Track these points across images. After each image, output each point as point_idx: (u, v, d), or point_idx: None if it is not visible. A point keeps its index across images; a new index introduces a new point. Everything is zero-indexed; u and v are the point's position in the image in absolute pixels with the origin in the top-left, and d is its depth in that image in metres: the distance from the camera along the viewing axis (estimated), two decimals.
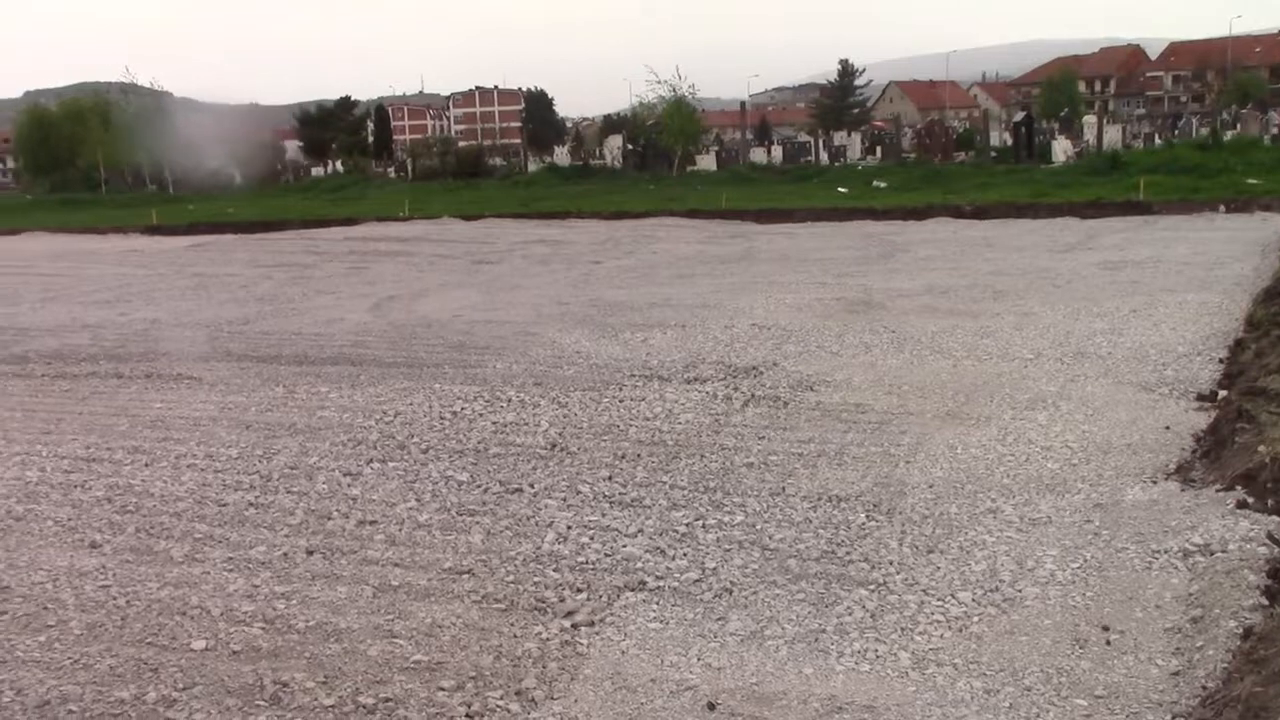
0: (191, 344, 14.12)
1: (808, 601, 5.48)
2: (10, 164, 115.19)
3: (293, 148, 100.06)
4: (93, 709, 4.61)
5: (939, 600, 5.43)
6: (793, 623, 5.25)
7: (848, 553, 6.09)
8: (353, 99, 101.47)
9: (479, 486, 7.52)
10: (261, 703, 4.62)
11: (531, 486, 7.47)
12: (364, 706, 4.55)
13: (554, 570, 5.98)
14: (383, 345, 13.47)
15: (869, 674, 4.77)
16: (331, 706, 4.57)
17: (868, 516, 6.66)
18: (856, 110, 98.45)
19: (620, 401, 9.89)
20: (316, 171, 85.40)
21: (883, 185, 39.62)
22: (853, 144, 59.83)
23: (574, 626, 5.27)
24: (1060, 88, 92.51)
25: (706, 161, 56.65)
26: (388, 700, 4.60)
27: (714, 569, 5.91)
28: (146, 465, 8.32)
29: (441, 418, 9.48)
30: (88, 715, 4.57)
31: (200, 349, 13.69)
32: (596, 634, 5.20)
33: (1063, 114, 71.91)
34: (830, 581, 5.71)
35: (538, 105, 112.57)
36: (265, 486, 7.67)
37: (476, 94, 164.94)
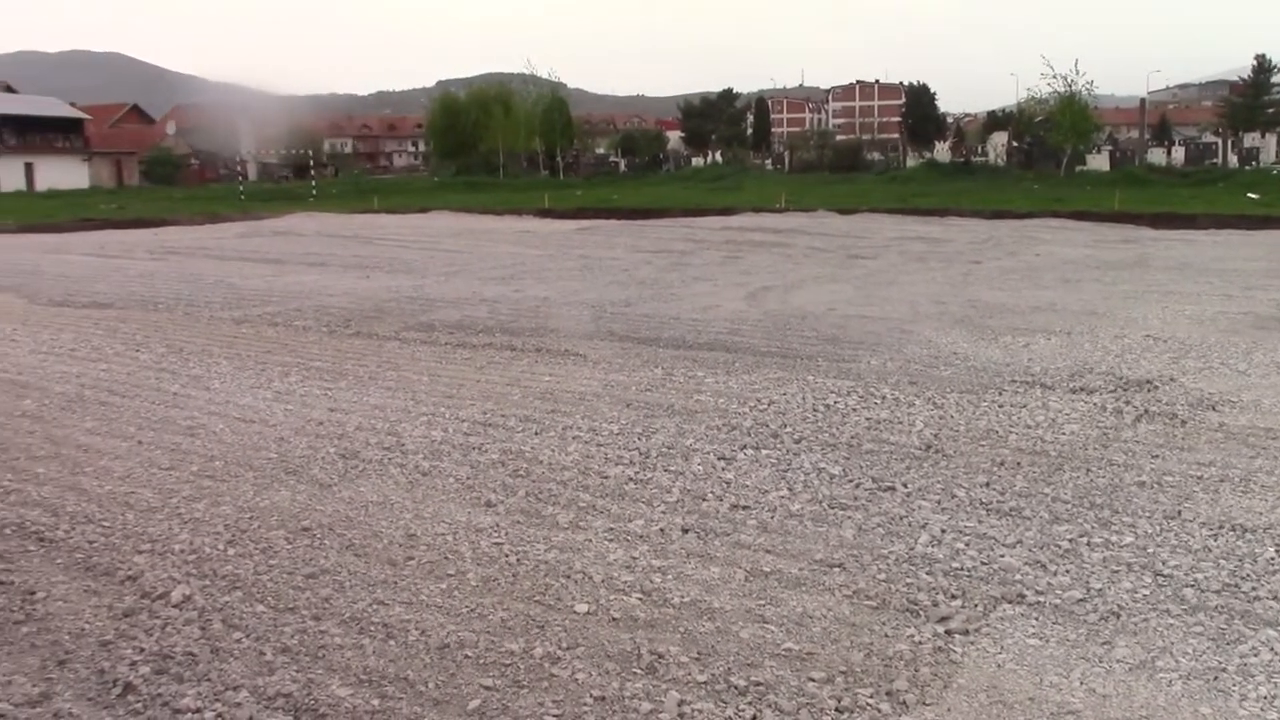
0: (578, 322, 14.84)
1: (1206, 636, 5.08)
2: (422, 148, 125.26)
3: (674, 138, 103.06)
4: (486, 656, 4.93)
5: None
6: (1188, 657, 4.89)
7: (1253, 588, 5.60)
8: (734, 91, 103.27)
9: (851, 481, 7.47)
10: (638, 670, 4.79)
11: (905, 486, 7.35)
12: (735, 687, 4.63)
13: (927, 573, 5.85)
14: (757, 334, 13.65)
15: None
16: (704, 683, 4.67)
17: (1277, 551, 6.10)
18: (1271, 110, 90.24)
19: (999, 407, 9.55)
20: (696, 161, 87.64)
21: None
22: (1267, 146, 54.94)
23: (948, 633, 5.14)
24: None
25: (1098, 161, 53.78)
26: (759, 684, 4.65)
27: (1100, 590, 5.59)
28: (536, 434, 8.82)
29: (814, 409, 9.50)
30: (481, 662, 4.88)
31: (586, 328, 14.37)
32: (971, 643, 5.04)
33: None
34: (1233, 617, 5.27)
35: (919, 100, 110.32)
36: (644, 463, 7.95)
37: (856, 88, 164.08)
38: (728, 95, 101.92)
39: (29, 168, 70.79)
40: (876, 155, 75.49)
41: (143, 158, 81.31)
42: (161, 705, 4.53)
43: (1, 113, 71.87)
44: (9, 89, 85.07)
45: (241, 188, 62.73)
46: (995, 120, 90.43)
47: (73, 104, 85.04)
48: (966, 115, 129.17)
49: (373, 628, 5.22)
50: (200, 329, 14.80)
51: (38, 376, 11.46)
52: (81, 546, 6.38)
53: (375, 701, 4.52)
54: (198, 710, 4.48)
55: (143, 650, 5.01)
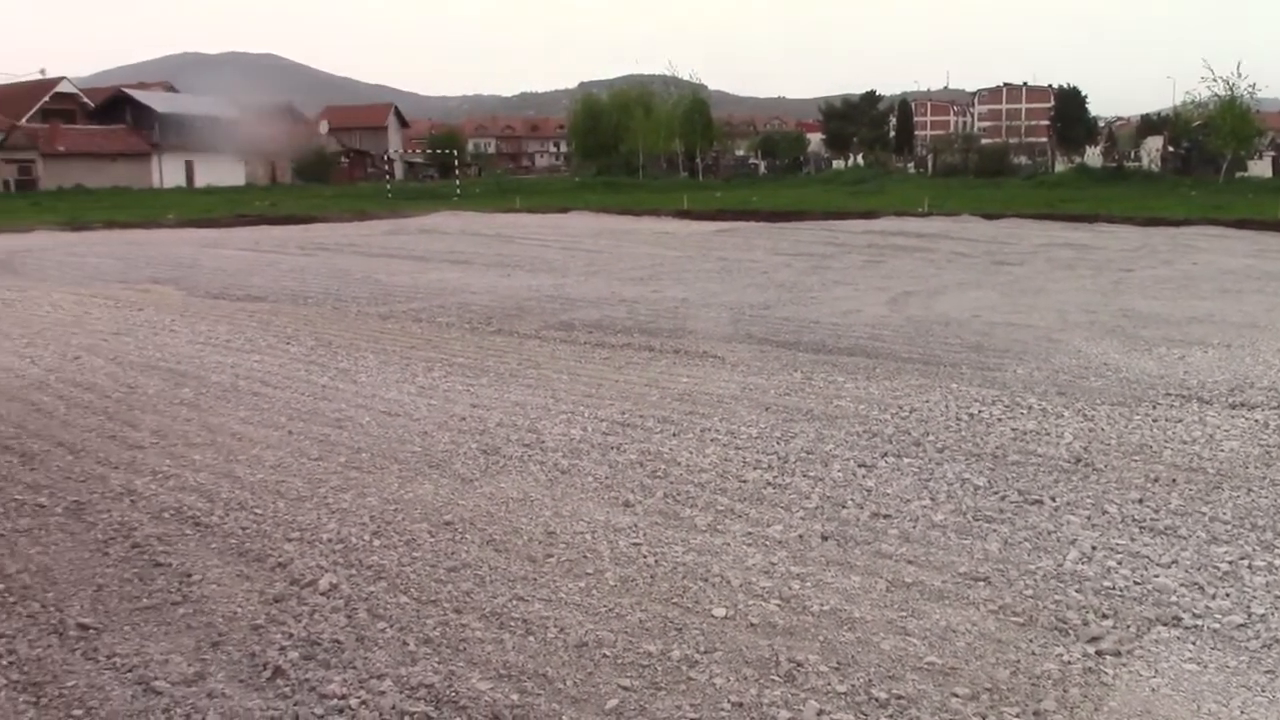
0: (716, 324, 14.82)
1: None
2: (563, 148, 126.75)
3: (815, 140, 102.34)
4: (623, 657, 4.94)
5: None
6: None
7: None
8: (877, 93, 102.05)
9: (996, 493, 7.29)
10: (776, 678, 4.74)
11: (1053, 499, 7.13)
12: (876, 699, 4.54)
13: (1076, 591, 5.66)
14: (899, 340, 13.43)
15: None
16: (844, 694, 4.59)
17: None
18: None
19: (1153, 420, 9.22)
20: (837, 164, 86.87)
21: None
22: None
23: (1098, 654, 4.96)
24: None
25: (1260, 167, 51.68)
26: (900, 698, 4.56)
27: (1262, 615, 5.34)
28: (674, 435, 8.82)
29: (958, 418, 9.30)
30: (619, 662, 4.89)
31: (724, 330, 14.33)
32: (1124, 665, 4.86)
33: None
34: None
35: (1069, 103, 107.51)
36: (783, 468, 7.88)
37: (1004, 90, 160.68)
38: (870, 97, 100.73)
39: (189, 165, 73.60)
40: (1023, 159, 73.73)
41: (295, 156, 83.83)
42: (309, 690, 4.64)
43: (165, 112, 74.85)
44: (171, 89, 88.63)
45: (389, 186, 64.27)
46: (1150, 124, 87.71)
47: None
48: (1119, 119, 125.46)
49: (512, 623, 5.27)
50: (348, 323, 15.19)
51: (195, 366, 11.89)
52: (235, 532, 6.59)
53: (514, 696, 4.56)
54: (343, 697, 4.57)
55: (291, 636, 5.14)
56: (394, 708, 4.48)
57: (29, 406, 10.05)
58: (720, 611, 5.39)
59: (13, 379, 11.29)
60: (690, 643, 5.06)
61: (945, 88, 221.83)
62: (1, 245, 30.94)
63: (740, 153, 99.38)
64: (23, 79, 79.40)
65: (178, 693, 4.61)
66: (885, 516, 6.83)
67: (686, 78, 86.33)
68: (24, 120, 68.81)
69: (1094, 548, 6.25)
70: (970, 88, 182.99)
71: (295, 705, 4.52)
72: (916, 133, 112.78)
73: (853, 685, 4.66)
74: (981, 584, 5.74)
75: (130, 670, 4.82)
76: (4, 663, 4.89)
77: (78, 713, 4.47)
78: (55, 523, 6.82)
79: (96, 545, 6.41)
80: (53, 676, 4.77)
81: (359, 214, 46.04)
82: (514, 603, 5.50)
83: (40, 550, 6.33)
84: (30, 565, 6.09)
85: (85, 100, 76.96)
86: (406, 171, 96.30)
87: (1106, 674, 4.79)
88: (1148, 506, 6.99)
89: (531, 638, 5.12)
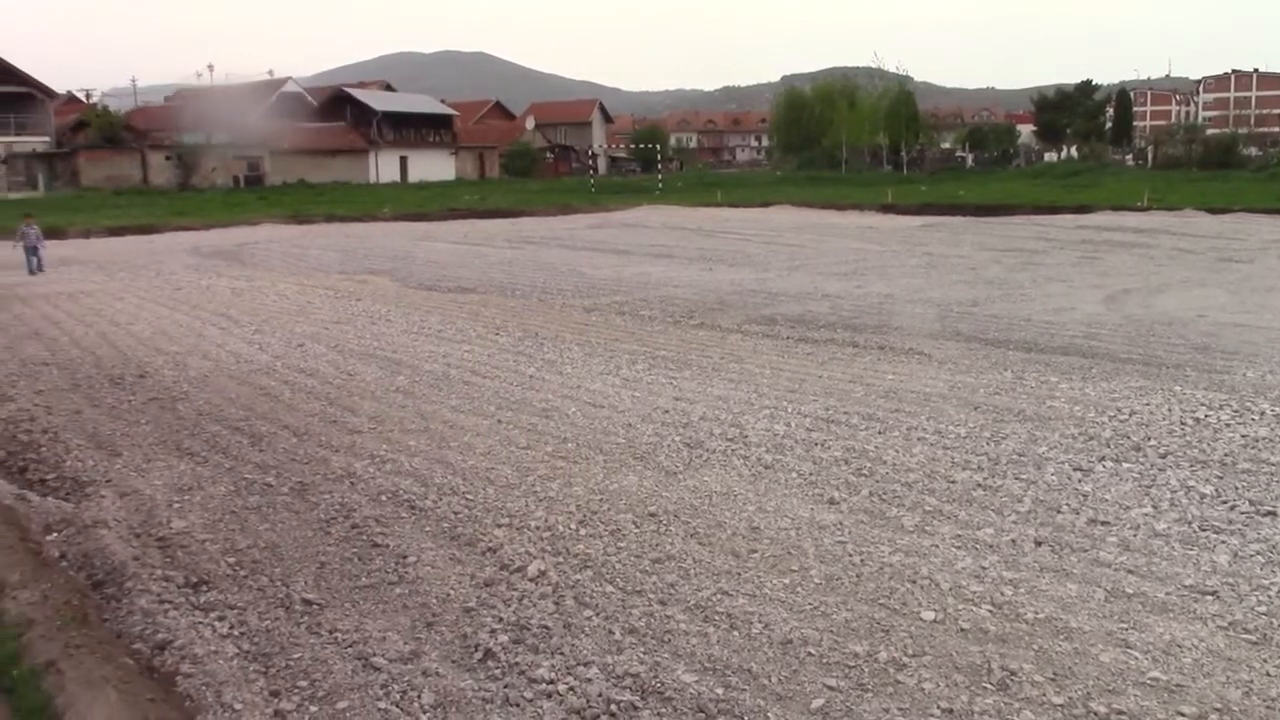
0: (922, 321, 14.50)
1: None
2: (764, 142, 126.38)
3: (1026, 132, 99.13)
4: (829, 656, 4.87)
5: None
6: None
7: None
8: (1092, 83, 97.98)
9: (1225, 503, 6.90)
10: (988, 685, 4.60)
11: None
12: (1095, 714, 4.36)
13: None
14: (1117, 339, 12.87)
15: None
16: (1061, 706, 4.42)
17: None
18: None
19: None
20: (1049, 156, 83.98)
21: None
22: None
23: None
24: None
25: None
26: (1121, 713, 4.36)
27: None
28: (880, 433, 8.67)
29: (1182, 423, 8.85)
30: (824, 661, 4.83)
31: (930, 326, 14.01)
32: None
33: None
34: None
35: None
36: (993, 469, 7.65)
37: (1232, 78, 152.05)
38: (1085, 87, 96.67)
39: (403, 160, 76.29)
40: (1254, 150, 69.72)
41: (503, 151, 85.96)
42: (518, 674, 4.74)
43: (382, 110, 77.74)
44: (389, 88, 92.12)
45: (592, 181, 65.19)
46: None
47: (443, 101, 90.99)
48: None
49: (717, 617, 5.27)
50: (553, 315, 15.48)
51: (409, 355, 12.32)
52: (447, 516, 6.79)
53: (719, 690, 4.56)
54: (551, 682, 4.66)
55: (501, 619, 5.27)
56: (600, 695, 4.54)
57: (258, 390, 10.60)
58: (929, 615, 5.26)
59: (243, 364, 11.93)
60: (898, 645, 4.96)
61: (1167, 76, 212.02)
62: (232, 238, 32.77)
63: (946, 145, 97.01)
64: (252, 79, 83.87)
65: (395, 669, 4.78)
66: (1103, 523, 6.55)
67: (892, 70, 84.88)
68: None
69: None
70: (1194, 75, 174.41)
71: (505, 688, 4.62)
72: (1135, 123, 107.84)
73: (1070, 698, 4.48)
74: (1209, 598, 5.44)
75: (351, 645, 5.03)
76: (236, 633, 5.16)
77: (303, 684, 4.68)
78: (282, 501, 7.17)
79: (319, 524, 6.71)
80: (280, 648, 5.00)
81: (563, 208, 46.96)
82: (718, 596, 5.50)
83: (268, 527, 6.67)
84: (259, 541, 6.41)
85: (309, 99, 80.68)
86: (609, 166, 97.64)
87: None
88: None
89: (736, 632, 5.10)
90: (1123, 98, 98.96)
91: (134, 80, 67.50)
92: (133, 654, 4.82)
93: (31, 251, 23.39)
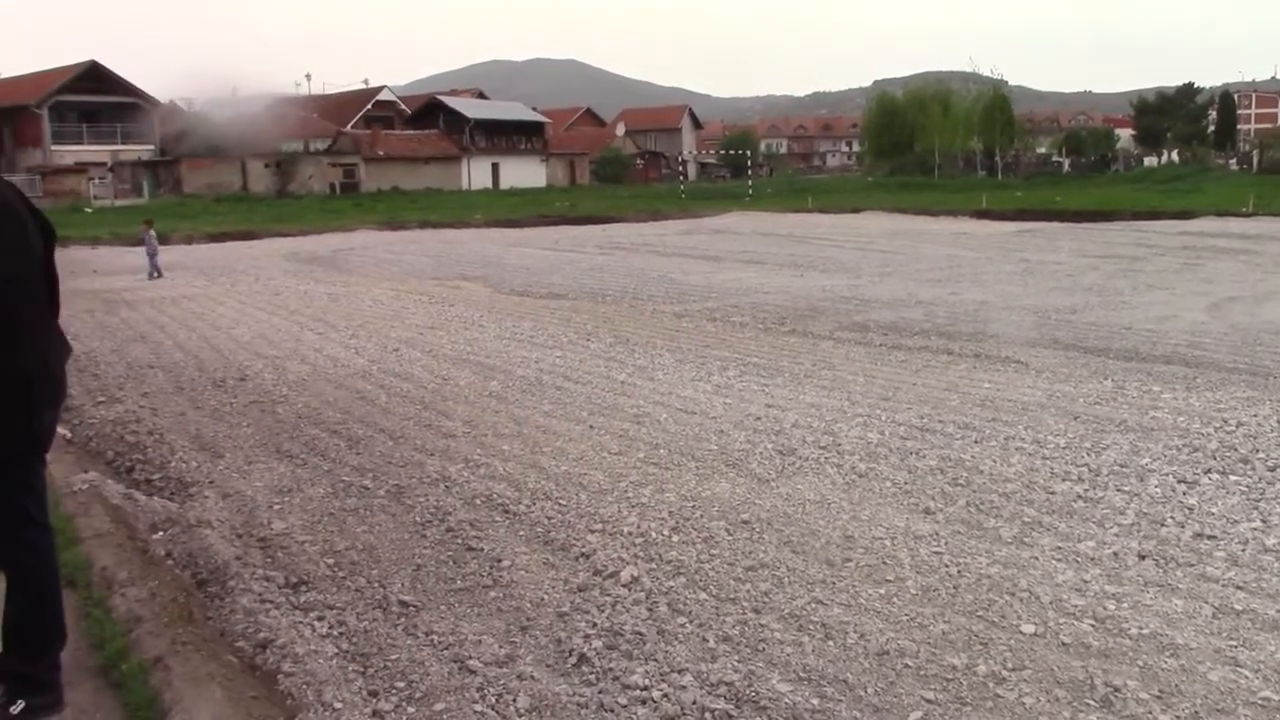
0: (1018, 328, 14.27)
1: None
2: (855, 148, 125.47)
3: (1125, 136, 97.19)
4: (926, 668, 4.80)
5: None
6: None
7: None
8: (1195, 86, 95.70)
9: None
10: (1091, 702, 4.49)
11: None
12: None
13: None
14: (1222, 349, 12.54)
15: None
16: None
17: None
18: None
19: None
20: (1149, 161, 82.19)
21: None
22: None
23: None
24: None
25: None
26: None
27: None
28: (976, 442, 8.54)
29: None
30: (922, 673, 4.76)
31: (1027, 334, 13.78)
32: None
33: None
34: None
35: None
36: (1094, 481, 7.49)
37: None
38: (1187, 90, 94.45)
39: (495, 167, 77.17)
40: None
41: (593, 158, 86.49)
42: (612, 680, 4.74)
43: (475, 117, 78.73)
44: (481, 95, 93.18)
45: (682, 187, 65.29)
46: None
47: (534, 108, 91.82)
48: None
49: (811, 626, 5.22)
50: (644, 321, 15.51)
51: (502, 360, 12.43)
52: (541, 521, 6.83)
53: (815, 701, 4.52)
54: (645, 688, 4.65)
55: (595, 625, 5.27)
56: (695, 703, 4.52)
57: (354, 394, 10.77)
58: (1029, 628, 5.16)
59: (340, 369, 12.13)
60: (997, 658, 4.87)
61: (1273, 78, 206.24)
62: (328, 244, 33.38)
63: (1042, 150, 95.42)
64: (348, 89, 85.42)
65: (490, 673, 4.81)
66: (1210, 537, 6.37)
67: (987, 74, 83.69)
68: (349, 126, 73.93)
69: None
70: None
71: (600, 694, 4.62)
72: (1240, 127, 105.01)
73: (1177, 716, 4.36)
74: None
75: (447, 648, 5.07)
76: (335, 633, 5.23)
77: (400, 685, 4.73)
78: (379, 504, 7.27)
79: (415, 527, 6.79)
80: (378, 649, 5.06)
81: (654, 214, 47.04)
82: (813, 605, 5.45)
83: (366, 530, 6.76)
84: (357, 543, 6.50)
85: (403, 107, 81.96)
86: (699, 172, 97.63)
87: None
88: None
89: (831, 642, 5.05)
90: (1226, 100, 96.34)
91: (234, 89, 68.87)
92: (236, 652, 4.91)
93: (153, 255, 23.89)
